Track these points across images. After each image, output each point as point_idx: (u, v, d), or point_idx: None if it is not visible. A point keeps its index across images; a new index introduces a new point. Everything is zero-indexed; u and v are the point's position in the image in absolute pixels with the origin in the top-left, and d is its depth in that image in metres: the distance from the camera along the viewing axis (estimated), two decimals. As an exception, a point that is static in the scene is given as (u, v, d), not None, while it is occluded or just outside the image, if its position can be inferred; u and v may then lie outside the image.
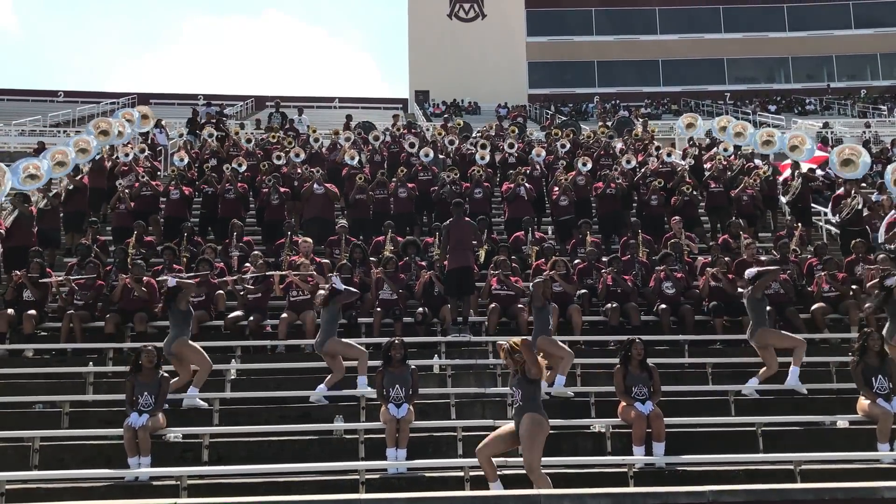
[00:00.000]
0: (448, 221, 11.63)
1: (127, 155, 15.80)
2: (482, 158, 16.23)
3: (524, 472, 7.34)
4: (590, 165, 15.60)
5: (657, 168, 15.82)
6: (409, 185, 15.00)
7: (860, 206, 14.09)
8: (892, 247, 12.65)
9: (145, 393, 8.24)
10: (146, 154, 16.78)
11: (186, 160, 16.43)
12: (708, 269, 11.71)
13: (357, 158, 16.53)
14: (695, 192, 14.94)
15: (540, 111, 39.51)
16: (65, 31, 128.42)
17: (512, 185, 14.58)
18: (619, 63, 48.80)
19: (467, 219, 11.96)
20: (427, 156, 16.21)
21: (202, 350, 9.45)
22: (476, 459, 7.54)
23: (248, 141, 18.05)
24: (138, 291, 11.02)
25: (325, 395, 9.36)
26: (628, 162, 16.02)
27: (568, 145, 17.20)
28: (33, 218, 13.24)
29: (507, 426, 7.49)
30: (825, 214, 15.81)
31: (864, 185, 15.18)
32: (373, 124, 23.77)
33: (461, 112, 41.22)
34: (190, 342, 9.39)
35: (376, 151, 17.77)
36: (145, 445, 7.95)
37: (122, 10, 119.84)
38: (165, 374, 8.53)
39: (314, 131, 18.85)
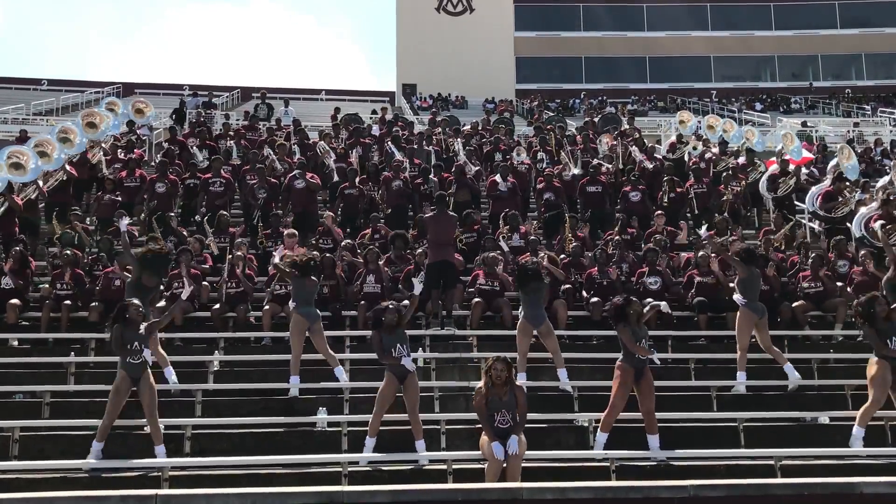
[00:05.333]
0: (428, 214, 11.61)
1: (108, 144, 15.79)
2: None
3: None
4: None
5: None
6: (402, 174, 14.93)
7: (854, 209, 14.12)
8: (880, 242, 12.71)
9: (135, 343, 8.03)
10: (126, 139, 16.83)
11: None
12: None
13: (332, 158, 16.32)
14: (679, 189, 14.99)
15: (530, 109, 39.46)
16: (48, 18, 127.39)
17: (496, 179, 14.58)
18: (607, 59, 48.91)
19: (450, 212, 11.94)
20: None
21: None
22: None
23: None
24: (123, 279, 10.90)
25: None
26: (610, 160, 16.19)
27: (546, 159, 17.10)
28: (20, 209, 13.11)
29: (494, 464, 7.33)
30: (808, 212, 15.88)
31: (847, 182, 15.20)
32: (359, 117, 23.72)
33: (448, 106, 41.17)
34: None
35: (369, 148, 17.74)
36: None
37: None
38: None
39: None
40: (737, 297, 10.01)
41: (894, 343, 8.53)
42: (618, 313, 8.50)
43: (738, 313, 9.94)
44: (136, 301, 8.36)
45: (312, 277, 9.77)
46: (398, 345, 8.33)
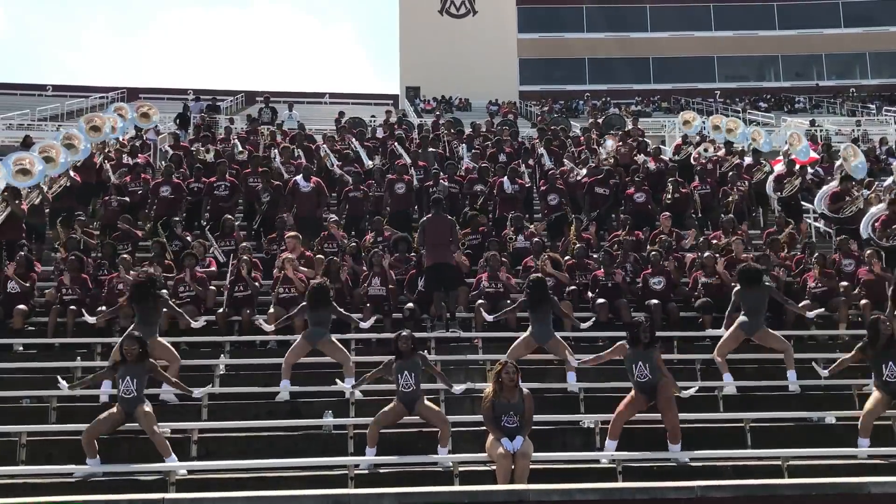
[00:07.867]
0: (426, 217, 11.62)
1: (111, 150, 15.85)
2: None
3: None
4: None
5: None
6: (406, 177, 14.90)
7: (862, 207, 14.04)
8: (886, 243, 12.66)
9: (127, 378, 8.04)
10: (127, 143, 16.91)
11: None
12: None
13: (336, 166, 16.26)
14: (683, 190, 14.97)
15: (540, 114, 39.43)
16: (52, 24, 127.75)
17: (502, 181, 14.57)
18: (611, 60, 48.86)
19: (446, 215, 11.93)
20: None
21: (170, 346, 9.43)
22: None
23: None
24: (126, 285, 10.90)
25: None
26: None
27: (548, 163, 17.06)
28: (24, 215, 13.12)
29: (503, 463, 7.44)
30: (814, 212, 15.85)
31: (853, 183, 15.14)
32: (363, 120, 23.74)
33: (452, 108, 41.16)
34: (159, 339, 9.35)
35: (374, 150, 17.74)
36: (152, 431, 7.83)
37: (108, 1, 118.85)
38: (153, 362, 8.40)
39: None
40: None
41: (889, 369, 8.48)
42: (630, 337, 8.65)
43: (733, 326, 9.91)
44: (134, 335, 8.37)
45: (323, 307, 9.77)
46: (406, 372, 8.33)
